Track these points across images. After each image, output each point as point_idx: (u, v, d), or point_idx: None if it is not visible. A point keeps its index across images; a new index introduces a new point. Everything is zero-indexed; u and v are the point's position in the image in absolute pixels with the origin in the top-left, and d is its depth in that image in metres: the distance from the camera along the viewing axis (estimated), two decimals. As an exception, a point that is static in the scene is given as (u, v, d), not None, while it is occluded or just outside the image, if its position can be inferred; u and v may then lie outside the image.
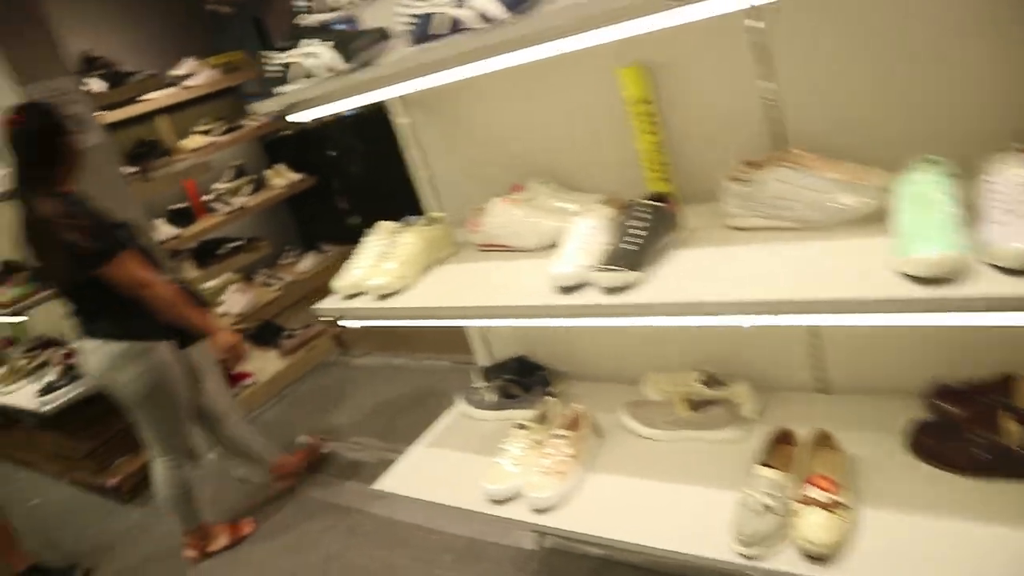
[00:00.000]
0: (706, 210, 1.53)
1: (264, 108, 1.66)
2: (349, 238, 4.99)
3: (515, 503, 1.67)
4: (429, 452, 2.00)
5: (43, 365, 3.86)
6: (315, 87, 1.56)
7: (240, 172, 5.37)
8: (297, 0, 1.72)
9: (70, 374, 3.42)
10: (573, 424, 1.78)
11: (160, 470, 2.75)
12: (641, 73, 1.57)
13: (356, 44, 1.48)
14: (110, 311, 2.49)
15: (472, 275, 1.70)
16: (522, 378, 2.03)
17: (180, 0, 5.81)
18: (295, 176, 5.48)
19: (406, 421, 3.43)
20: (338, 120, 7.36)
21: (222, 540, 2.94)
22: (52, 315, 3.70)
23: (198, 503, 2.90)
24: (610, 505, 1.60)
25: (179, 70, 4.91)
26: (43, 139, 2.42)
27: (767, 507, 1.34)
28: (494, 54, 1.38)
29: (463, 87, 1.77)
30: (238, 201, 5.11)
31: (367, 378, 4.05)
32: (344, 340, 4.45)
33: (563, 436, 1.72)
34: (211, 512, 3.05)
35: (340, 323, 1.78)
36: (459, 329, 2.20)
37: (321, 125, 7.71)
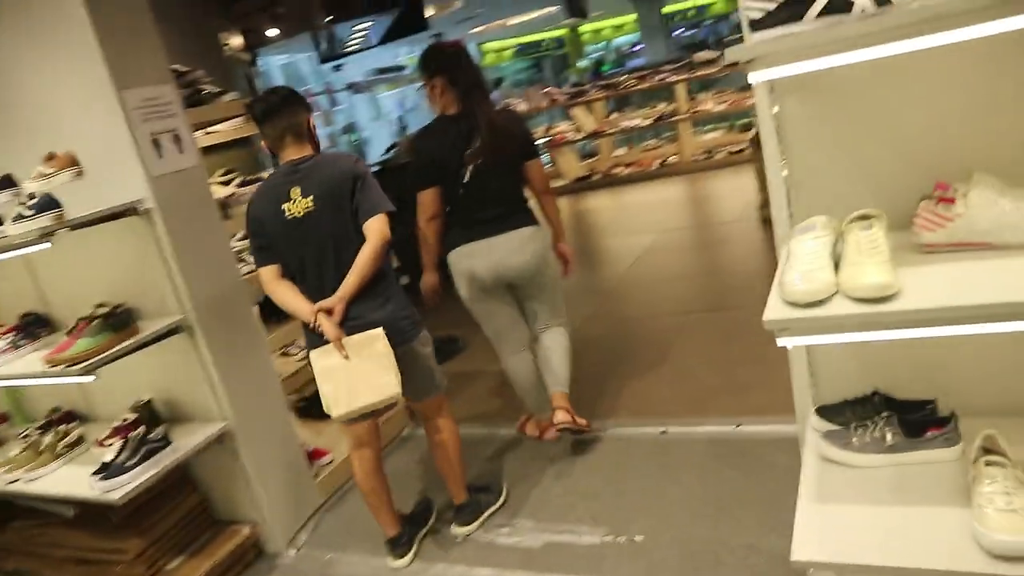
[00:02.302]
0: None
1: (737, 54, 1.32)
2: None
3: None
4: (824, 511, 1.61)
5: (78, 442, 3.10)
6: (836, 29, 1.25)
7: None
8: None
9: (143, 449, 2.72)
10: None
11: (560, 336, 3.22)
12: None
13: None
14: (526, 203, 3.12)
15: (965, 274, 1.39)
16: (902, 414, 1.71)
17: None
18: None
19: (535, 493, 2.96)
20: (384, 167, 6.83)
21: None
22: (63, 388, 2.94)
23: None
24: None
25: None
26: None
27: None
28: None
29: (868, 69, 1.52)
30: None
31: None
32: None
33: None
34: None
35: (790, 340, 1.41)
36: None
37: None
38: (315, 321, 2.46)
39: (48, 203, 2.58)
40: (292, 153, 2.55)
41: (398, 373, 2.47)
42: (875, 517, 1.55)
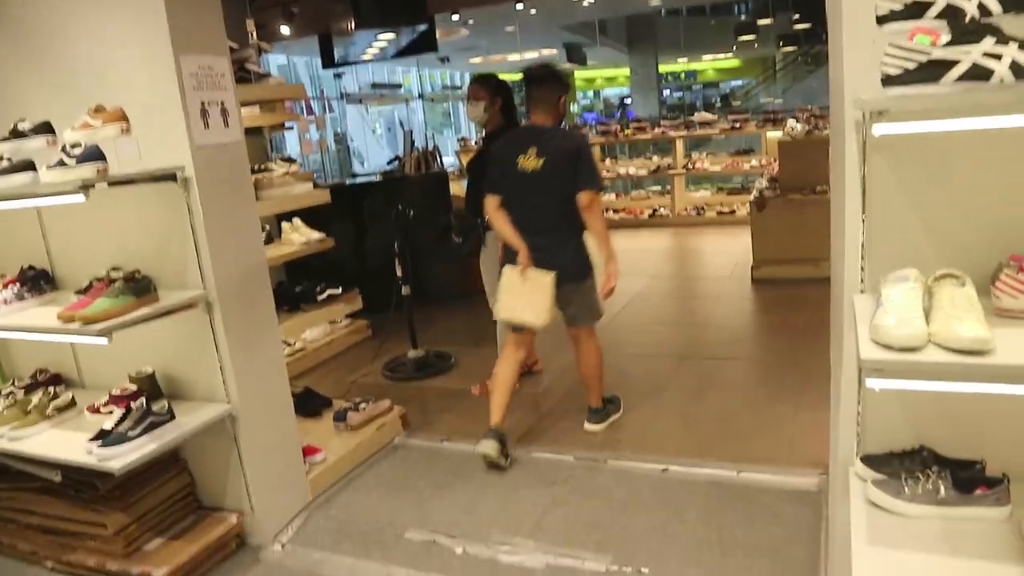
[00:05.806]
0: None
1: (870, 104, 1.38)
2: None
3: None
4: (878, 555, 1.63)
5: (70, 406, 2.98)
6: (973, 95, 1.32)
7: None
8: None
9: (147, 421, 2.62)
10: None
11: None
12: None
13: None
14: None
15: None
16: (952, 471, 1.76)
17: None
18: (314, 235, 4.90)
19: (535, 516, 2.91)
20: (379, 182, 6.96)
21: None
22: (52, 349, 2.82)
23: None
24: None
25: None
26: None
27: None
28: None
29: (957, 139, 1.59)
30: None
31: (459, 466, 3.43)
32: (410, 421, 3.85)
33: None
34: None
35: (880, 382, 1.44)
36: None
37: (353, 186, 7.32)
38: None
39: (93, 154, 2.51)
40: (539, 119, 3.34)
41: (551, 310, 3.18)
42: (928, 565, 1.59)
